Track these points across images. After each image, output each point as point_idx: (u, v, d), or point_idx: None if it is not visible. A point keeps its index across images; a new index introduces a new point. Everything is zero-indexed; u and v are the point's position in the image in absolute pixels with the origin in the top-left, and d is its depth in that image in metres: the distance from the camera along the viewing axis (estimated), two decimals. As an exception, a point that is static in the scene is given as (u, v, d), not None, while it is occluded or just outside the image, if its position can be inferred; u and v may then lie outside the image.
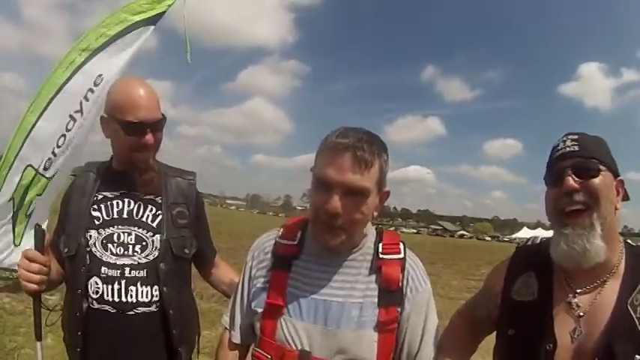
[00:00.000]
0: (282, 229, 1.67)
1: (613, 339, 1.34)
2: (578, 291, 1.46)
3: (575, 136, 1.47)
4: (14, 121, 4.89)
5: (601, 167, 1.41)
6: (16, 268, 1.83)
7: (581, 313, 1.42)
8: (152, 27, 5.20)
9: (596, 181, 1.40)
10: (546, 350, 1.41)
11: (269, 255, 1.63)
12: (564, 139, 1.48)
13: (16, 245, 5.25)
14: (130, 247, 1.89)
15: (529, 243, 1.71)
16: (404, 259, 1.56)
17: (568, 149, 1.45)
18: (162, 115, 1.93)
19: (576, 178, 1.41)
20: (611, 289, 1.42)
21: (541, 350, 1.42)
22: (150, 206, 1.97)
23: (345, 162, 1.38)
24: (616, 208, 1.44)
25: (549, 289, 1.50)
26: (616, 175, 1.47)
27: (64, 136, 4.94)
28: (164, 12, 5.15)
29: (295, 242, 1.60)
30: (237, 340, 1.67)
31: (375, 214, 1.52)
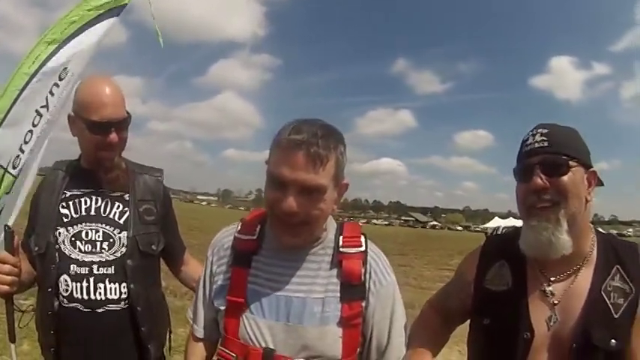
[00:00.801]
0: (240, 224, 1.64)
1: (589, 325, 1.36)
2: (552, 279, 1.47)
3: (545, 130, 1.46)
4: None
5: (571, 163, 1.41)
6: None
7: (556, 301, 1.43)
8: (115, 18, 5.14)
9: (565, 178, 1.40)
10: (524, 339, 1.41)
11: (228, 251, 1.60)
12: (534, 132, 1.48)
13: None
14: (98, 244, 1.89)
15: (499, 232, 1.71)
16: (365, 252, 1.53)
17: (537, 145, 1.44)
18: (128, 113, 1.93)
19: (544, 176, 1.41)
20: (585, 277, 1.44)
21: (518, 339, 1.42)
22: (117, 203, 1.97)
23: (298, 160, 1.33)
24: (587, 200, 1.44)
25: (523, 278, 1.51)
26: (588, 166, 1.46)
27: (30, 131, 4.88)
28: (127, 4, 5.10)
29: (254, 237, 1.56)
30: (200, 334, 1.66)
31: (335, 207, 1.49)
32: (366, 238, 1.57)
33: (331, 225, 1.58)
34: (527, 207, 1.46)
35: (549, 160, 1.41)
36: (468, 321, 1.67)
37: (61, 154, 2.14)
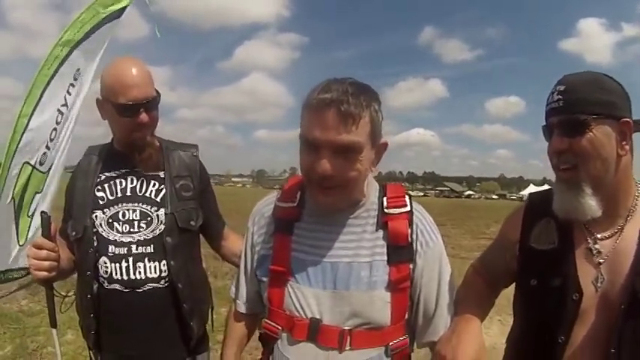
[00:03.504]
0: (280, 192, 1.60)
1: (638, 283, 1.30)
2: (599, 236, 1.41)
3: (563, 87, 1.36)
4: (10, 126, 4.99)
5: (590, 121, 1.31)
6: (24, 266, 1.83)
7: (601, 260, 1.38)
8: (117, 20, 5.36)
9: (582, 140, 1.31)
10: (572, 300, 1.36)
11: (269, 219, 1.57)
12: (554, 89, 1.39)
13: (20, 245, 5.33)
14: (136, 223, 1.89)
15: (541, 190, 1.65)
16: (410, 212, 1.48)
17: (555, 105, 1.37)
18: (156, 91, 1.91)
19: (563, 138, 1.34)
20: (631, 233, 1.37)
21: (567, 300, 1.37)
22: (153, 181, 1.97)
23: (329, 119, 1.27)
24: (619, 155, 1.34)
25: (569, 235, 1.44)
26: (619, 117, 1.33)
27: (55, 129, 5.07)
28: (128, 5, 5.28)
29: (295, 204, 1.52)
30: (242, 309, 1.65)
31: (374, 168, 1.43)
32: (410, 198, 1.52)
33: (373, 186, 1.52)
34: (554, 168, 1.41)
35: (565, 121, 1.34)
36: (511, 287, 1.62)
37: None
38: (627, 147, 1.34)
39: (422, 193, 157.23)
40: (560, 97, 1.35)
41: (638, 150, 1.40)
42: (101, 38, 5.07)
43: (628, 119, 1.34)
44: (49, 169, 5.24)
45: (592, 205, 1.34)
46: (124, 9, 5.12)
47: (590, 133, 1.31)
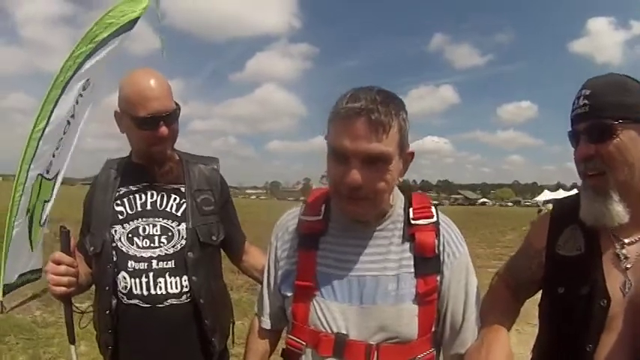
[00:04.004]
0: (304, 205, 1.56)
1: None
2: (626, 241, 1.38)
3: (588, 92, 1.34)
4: (24, 140, 5.11)
5: (617, 126, 1.28)
6: (37, 268, 1.83)
7: (629, 265, 1.35)
8: (129, 32, 5.44)
9: (610, 146, 1.29)
10: (600, 306, 1.34)
11: (293, 234, 1.53)
12: (579, 94, 1.37)
13: (31, 252, 5.57)
14: (156, 238, 1.86)
15: (567, 196, 1.62)
16: (437, 222, 1.45)
17: (580, 110, 1.35)
18: (176, 104, 1.89)
19: (590, 144, 1.32)
20: None
21: (595, 307, 1.34)
22: (173, 196, 1.94)
23: (359, 128, 1.24)
24: None
25: (596, 241, 1.42)
26: None
27: (61, 139, 5.22)
28: (139, 17, 5.36)
29: (320, 217, 1.48)
30: (266, 325, 1.61)
31: (401, 178, 1.39)
32: (436, 208, 1.50)
33: (398, 197, 1.49)
34: (580, 174, 1.39)
35: (591, 127, 1.32)
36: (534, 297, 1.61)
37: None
38: None
39: (436, 202, 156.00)
40: (587, 101, 1.34)
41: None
42: (112, 50, 5.16)
43: None
44: (55, 176, 5.43)
45: (620, 211, 1.32)
46: (135, 21, 5.19)
47: (618, 139, 1.29)
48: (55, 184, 5.48)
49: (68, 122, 5.25)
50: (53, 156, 5.25)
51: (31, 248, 5.47)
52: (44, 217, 5.44)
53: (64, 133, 5.28)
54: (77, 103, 5.21)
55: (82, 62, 5.09)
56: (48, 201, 5.43)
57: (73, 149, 5.58)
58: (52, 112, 4.98)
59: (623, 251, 1.37)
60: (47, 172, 5.26)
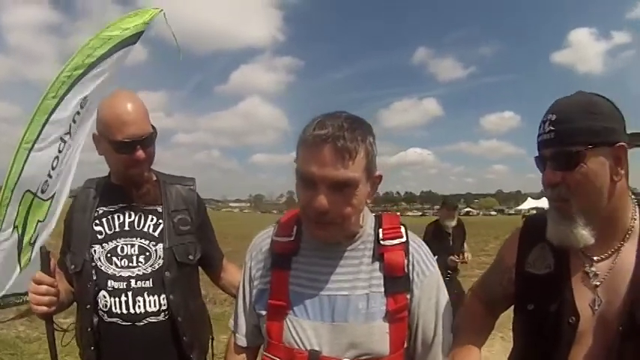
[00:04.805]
0: (276, 226, 1.60)
1: (635, 305, 1.27)
2: (595, 259, 1.38)
3: (554, 117, 1.31)
4: (11, 150, 4.96)
5: (584, 152, 1.26)
6: (21, 291, 1.83)
7: (598, 282, 1.35)
8: (133, 46, 5.28)
9: (577, 174, 1.28)
10: (569, 324, 1.35)
11: (267, 254, 1.57)
12: (545, 118, 1.34)
13: (20, 271, 5.37)
14: (134, 257, 1.89)
15: (536, 213, 1.64)
16: (406, 242, 1.49)
17: (546, 136, 1.32)
18: (153, 127, 1.91)
19: (556, 171, 1.31)
20: (629, 253, 1.35)
21: (563, 324, 1.35)
22: (150, 216, 1.97)
23: (326, 155, 1.27)
24: (614, 181, 1.30)
25: (565, 259, 1.42)
26: (613, 142, 1.28)
27: (57, 158, 5.04)
28: (143, 31, 5.23)
29: (292, 238, 1.52)
30: (242, 343, 1.63)
31: (369, 201, 1.44)
32: (406, 228, 1.53)
33: (369, 218, 1.53)
34: (547, 197, 1.40)
35: (557, 155, 1.30)
36: (512, 307, 1.60)
37: (90, 176, 2.13)
38: (622, 172, 1.31)
39: (420, 213, 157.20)
40: (552, 127, 1.31)
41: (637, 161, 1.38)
42: (113, 64, 5.02)
43: (622, 143, 1.29)
44: (52, 196, 5.25)
45: (584, 234, 1.32)
46: (139, 35, 5.07)
47: (585, 165, 1.28)
48: (50, 205, 5.29)
49: (63, 140, 5.09)
50: (49, 176, 5.10)
51: (20, 268, 5.34)
52: (34, 237, 5.28)
53: (59, 151, 5.11)
54: (74, 121, 5.09)
55: (80, 76, 4.95)
56: (42, 221, 5.26)
57: (72, 169, 5.40)
58: (43, 125, 4.85)
59: (593, 269, 1.38)
60: (42, 191, 5.10)
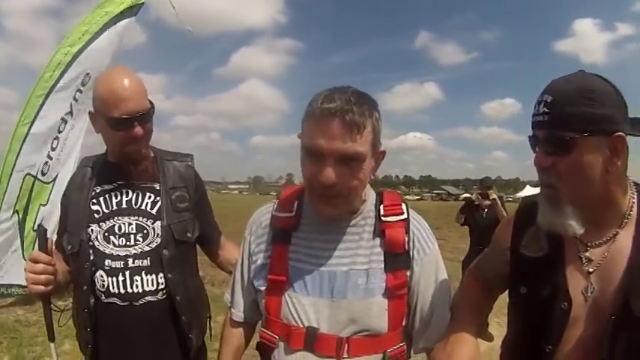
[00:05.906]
0: (277, 201, 1.60)
1: (629, 293, 1.24)
2: (589, 244, 1.35)
3: (550, 98, 1.23)
4: (9, 137, 4.89)
5: (578, 139, 1.20)
6: (24, 283, 1.80)
7: (592, 269, 1.32)
8: (133, 18, 5.16)
9: (568, 161, 1.22)
10: (561, 309, 1.33)
11: (267, 229, 1.57)
12: (540, 98, 1.27)
13: (25, 259, 5.32)
14: (132, 236, 1.88)
15: (532, 194, 1.57)
16: (407, 219, 1.50)
17: (540, 118, 1.26)
18: (150, 103, 1.88)
19: (547, 155, 1.26)
20: (625, 240, 1.30)
21: (555, 309, 1.33)
22: (148, 194, 1.95)
23: (334, 129, 1.27)
24: (608, 172, 1.23)
25: (560, 243, 1.39)
26: (612, 131, 1.20)
27: (57, 138, 4.95)
28: (144, 3, 5.11)
29: (292, 214, 1.53)
30: (238, 318, 1.64)
31: (373, 176, 1.44)
32: (407, 205, 1.54)
33: (370, 194, 1.53)
34: (539, 180, 1.35)
35: (550, 138, 1.24)
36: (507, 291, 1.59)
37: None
38: (619, 162, 1.23)
39: (418, 197, 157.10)
40: (546, 109, 1.24)
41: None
42: (113, 38, 4.89)
43: (621, 133, 1.21)
44: (54, 179, 5.13)
45: (572, 224, 1.28)
46: (139, 7, 4.94)
47: (577, 153, 1.21)
48: (52, 188, 5.20)
49: (64, 120, 4.98)
50: (49, 157, 5.00)
51: (23, 255, 5.28)
52: (37, 222, 5.18)
53: (59, 132, 5.01)
54: (75, 100, 5.03)
55: (77, 53, 4.85)
56: (44, 205, 5.17)
57: (75, 150, 5.24)
58: (40, 106, 4.75)
59: (587, 254, 1.35)
60: (42, 174, 5.01)
